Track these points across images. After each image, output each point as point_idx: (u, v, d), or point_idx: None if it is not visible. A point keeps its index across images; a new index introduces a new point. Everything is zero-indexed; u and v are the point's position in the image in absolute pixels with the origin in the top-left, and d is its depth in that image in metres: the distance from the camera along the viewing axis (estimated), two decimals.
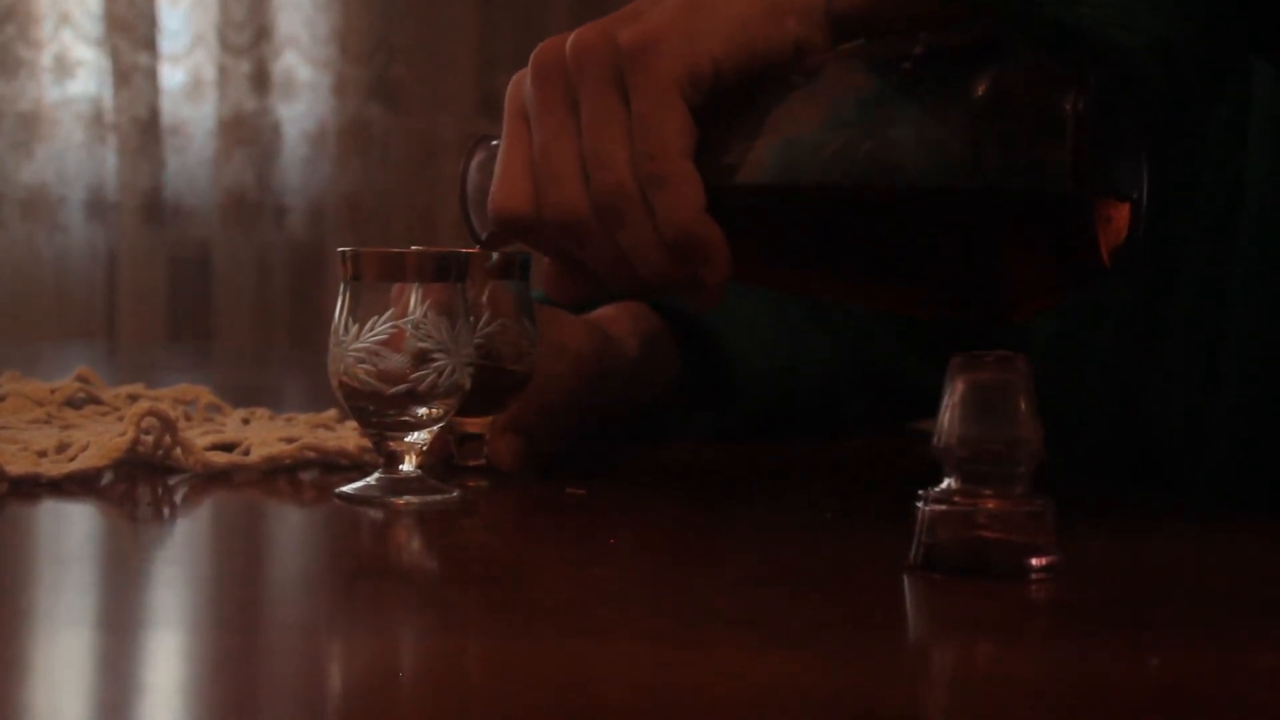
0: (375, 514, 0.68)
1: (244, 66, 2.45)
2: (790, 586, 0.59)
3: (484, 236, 0.74)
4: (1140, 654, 0.50)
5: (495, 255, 0.74)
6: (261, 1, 2.47)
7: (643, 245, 0.66)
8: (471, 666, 0.47)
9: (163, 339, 2.45)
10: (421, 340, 0.68)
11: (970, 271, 0.64)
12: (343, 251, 0.69)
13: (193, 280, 2.48)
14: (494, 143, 0.72)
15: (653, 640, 0.51)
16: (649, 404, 0.89)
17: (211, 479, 0.75)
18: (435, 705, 0.44)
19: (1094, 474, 0.86)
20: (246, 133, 2.46)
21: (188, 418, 0.89)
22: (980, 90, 0.61)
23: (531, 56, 0.68)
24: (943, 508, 0.57)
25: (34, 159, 2.39)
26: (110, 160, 2.40)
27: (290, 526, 0.72)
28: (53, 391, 0.95)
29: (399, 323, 0.68)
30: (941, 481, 0.57)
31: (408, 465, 0.69)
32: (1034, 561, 0.57)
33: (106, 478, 0.74)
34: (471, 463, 0.76)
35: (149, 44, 2.40)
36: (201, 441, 0.78)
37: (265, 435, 0.81)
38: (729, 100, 0.66)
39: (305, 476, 0.77)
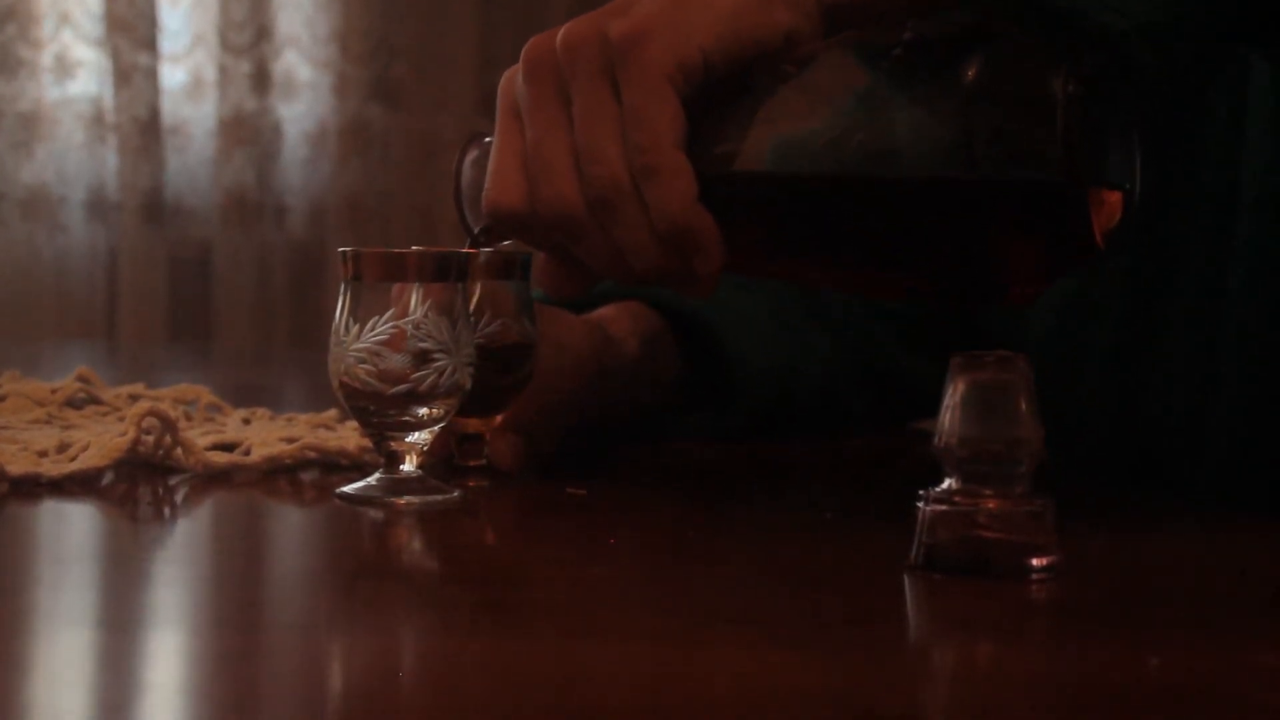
0: (376, 514, 0.68)
1: (244, 66, 2.46)
2: (790, 586, 0.59)
3: (478, 232, 0.74)
4: (1140, 654, 0.50)
5: (488, 249, 0.74)
6: (262, 1, 2.47)
7: (636, 238, 0.66)
8: (471, 666, 0.47)
9: (163, 339, 2.45)
10: (422, 340, 0.68)
11: (964, 258, 0.64)
12: (343, 251, 0.69)
13: (193, 280, 2.48)
14: (487, 139, 0.72)
15: (653, 640, 0.51)
16: (649, 404, 0.89)
17: (212, 479, 0.75)
18: (435, 705, 0.44)
19: (1094, 474, 0.86)
20: (247, 133, 2.46)
21: (188, 418, 0.89)
22: (971, 77, 0.61)
23: (522, 52, 0.68)
24: (943, 508, 0.57)
25: (34, 159, 2.39)
26: (110, 160, 2.40)
27: (291, 526, 0.72)
28: (53, 391, 0.95)
29: (399, 323, 0.68)
30: (942, 481, 0.57)
31: (408, 465, 0.69)
32: (1034, 561, 0.57)
33: (107, 478, 0.74)
34: (472, 463, 0.76)
35: (149, 44, 2.40)
36: (202, 441, 0.78)
37: (266, 435, 0.81)
38: (720, 90, 0.66)
39: (306, 476, 0.77)
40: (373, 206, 2.51)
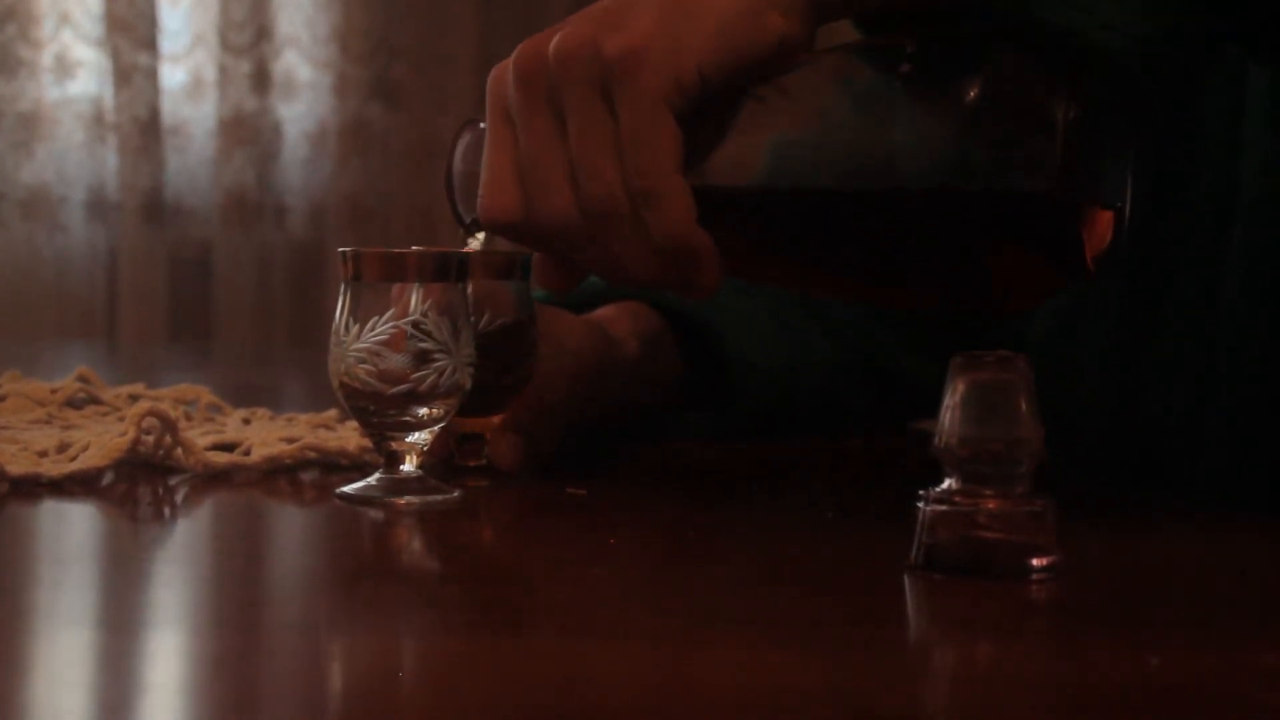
0: (376, 514, 0.68)
1: (244, 66, 2.45)
2: (790, 586, 0.59)
3: (468, 221, 0.74)
4: (1140, 654, 0.50)
5: (482, 236, 0.75)
6: (262, 1, 2.47)
7: (634, 253, 0.66)
8: (471, 666, 0.47)
9: (163, 339, 2.45)
10: (422, 340, 0.68)
11: (957, 271, 0.65)
12: (343, 251, 0.69)
13: (193, 280, 2.48)
14: (481, 125, 0.72)
15: (653, 640, 0.51)
16: (649, 404, 0.89)
17: (212, 479, 0.75)
18: (435, 705, 0.44)
19: (1094, 474, 0.86)
20: (247, 133, 2.45)
21: (188, 418, 0.89)
22: (970, 94, 0.62)
23: (514, 55, 0.68)
24: (943, 508, 0.57)
25: (34, 159, 2.39)
26: (111, 160, 2.40)
27: (291, 526, 0.72)
28: (53, 391, 0.95)
29: (399, 323, 0.68)
30: (942, 481, 0.57)
31: (408, 465, 0.69)
32: (1034, 561, 0.57)
33: (107, 478, 0.74)
34: (472, 463, 0.76)
35: (149, 44, 2.40)
36: (202, 441, 0.78)
37: (266, 435, 0.81)
38: (716, 100, 0.66)
39: (306, 477, 0.77)
40: (373, 206, 2.51)
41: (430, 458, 0.72)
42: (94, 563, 0.63)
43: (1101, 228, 0.63)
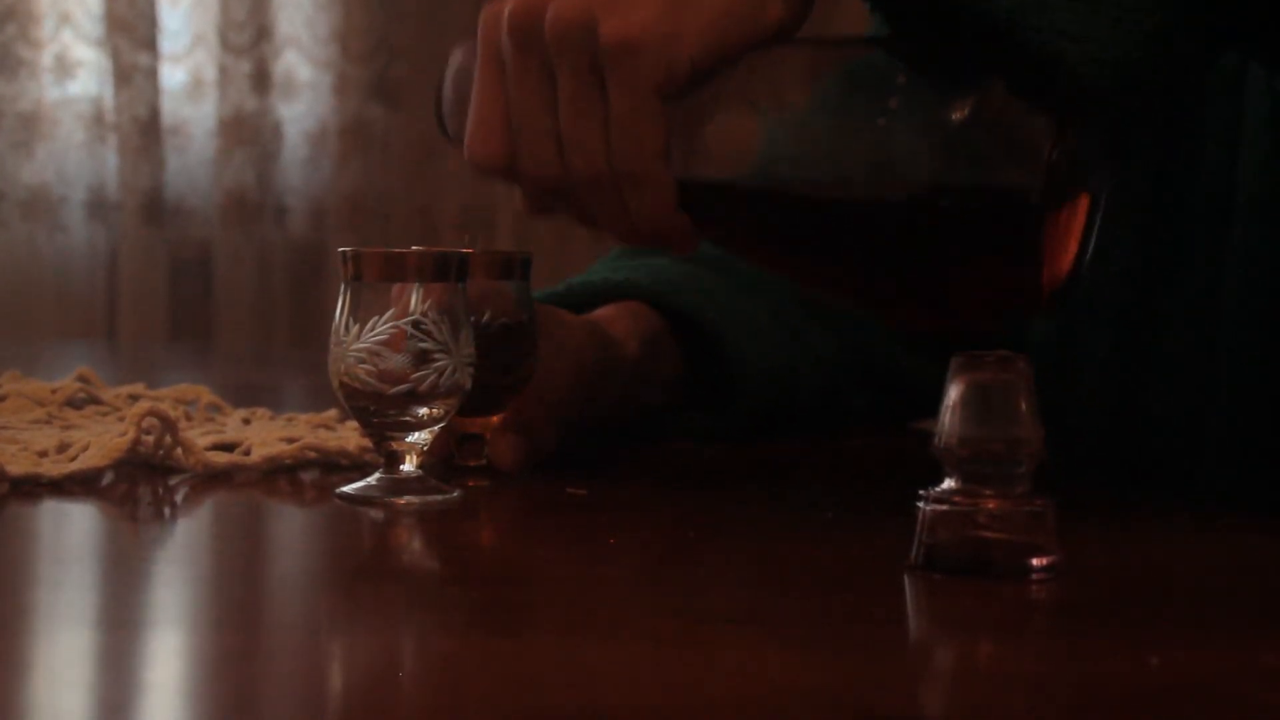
0: (376, 514, 0.68)
1: (244, 66, 2.45)
2: (790, 586, 0.59)
3: (455, 141, 0.74)
4: (1140, 654, 0.50)
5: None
6: (262, 1, 2.47)
7: (614, 224, 0.69)
8: (471, 666, 0.47)
9: (163, 339, 2.45)
10: (422, 340, 0.68)
11: (917, 282, 0.66)
12: (343, 251, 0.69)
13: (193, 280, 2.48)
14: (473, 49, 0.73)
15: (653, 640, 0.51)
16: (649, 404, 0.89)
17: (212, 479, 0.75)
18: (435, 705, 0.44)
19: (1094, 474, 0.86)
20: (247, 133, 2.45)
21: (188, 418, 0.89)
22: (956, 115, 0.63)
23: (509, 9, 0.68)
24: (943, 508, 0.57)
25: (34, 159, 2.39)
26: (111, 160, 2.40)
27: (291, 526, 0.72)
28: (53, 391, 0.95)
29: (399, 323, 0.68)
30: (942, 481, 0.57)
31: (408, 465, 0.69)
32: (1034, 561, 0.57)
33: (107, 478, 0.74)
34: (472, 463, 0.76)
35: (149, 44, 2.40)
36: (202, 441, 0.78)
37: (266, 435, 0.81)
38: (705, 81, 0.67)
39: (306, 476, 0.77)
40: (373, 206, 2.50)
41: (430, 458, 0.72)
42: (94, 563, 0.63)
43: (1062, 262, 0.64)
